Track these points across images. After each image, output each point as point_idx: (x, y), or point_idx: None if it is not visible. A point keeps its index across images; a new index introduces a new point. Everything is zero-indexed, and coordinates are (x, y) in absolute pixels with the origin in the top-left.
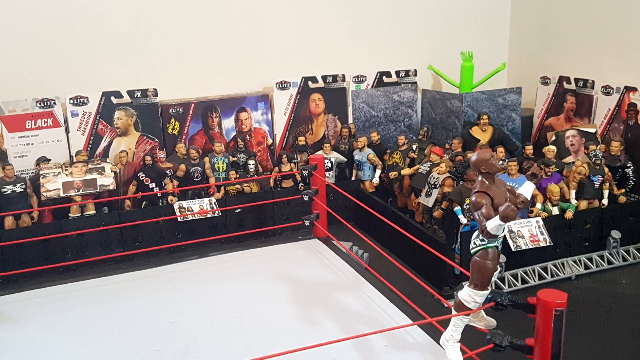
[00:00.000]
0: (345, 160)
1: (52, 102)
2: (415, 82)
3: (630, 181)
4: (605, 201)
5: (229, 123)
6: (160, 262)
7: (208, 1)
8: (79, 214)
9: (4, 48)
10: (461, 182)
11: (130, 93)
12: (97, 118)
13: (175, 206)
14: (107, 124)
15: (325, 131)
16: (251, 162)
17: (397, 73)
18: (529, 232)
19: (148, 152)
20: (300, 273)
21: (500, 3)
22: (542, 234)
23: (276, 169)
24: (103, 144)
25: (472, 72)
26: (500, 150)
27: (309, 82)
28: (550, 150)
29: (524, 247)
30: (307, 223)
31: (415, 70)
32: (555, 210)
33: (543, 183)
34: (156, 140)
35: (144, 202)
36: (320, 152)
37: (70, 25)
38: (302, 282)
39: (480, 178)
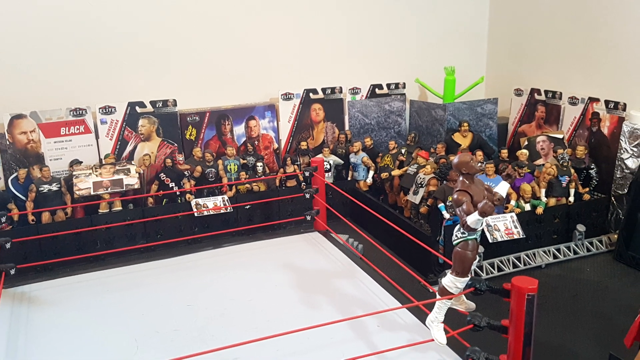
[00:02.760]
0: (342, 162)
1: (84, 111)
2: (404, 94)
3: (594, 181)
4: (571, 199)
5: (239, 130)
6: (179, 252)
7: (221, 23)
8: (108, 210)
9: (42, 64)
10: (444, 182)
11: (153, 103)
12: (124, 125)
13: (192, 203)
14: (132, 131)
15: (325, 137)
16: (259, 164)
17: (388, 85)
18: (504, 226)
19: (168, 155)
20: (302, 262)
21: (478, 24)
22: (515, 227)
23: (281, 170)
24: (129, 148)
25: (454, 85)
26: (479, 153)
27: (310, 94)
28: (523, 153)
29: (499, 239)
30: (308, 218)
31: (404, 83)
32: (528, 207)
33: (517, 183)
34: (175, 144)
35: (164, 200)
36: (320, 156)
37: (100, 44)
38: (304, 270)
39: (461, 178)
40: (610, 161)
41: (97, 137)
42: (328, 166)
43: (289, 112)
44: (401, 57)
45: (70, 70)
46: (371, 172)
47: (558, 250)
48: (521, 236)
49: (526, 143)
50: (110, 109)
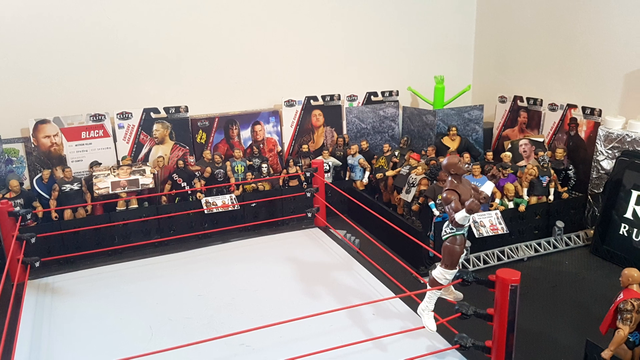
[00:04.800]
0: (341, 164)
1: (103, 117)
2: (397, 101)
3: (572, 181)
4: (551, 197)
5: (246, 134)
6: (190, 246)
7: (229, 36)
8: (125, 208)
9: (64, 74)
10: (434, 182)
11: (166, 109)
12: (139, 130)
13: (203, 201)
14: (147, 135)
15: (324, 140)
16: (264, 165)
17: (383, 93)
18: (490, 222)
19: (180, 157)
20: (303, 255)
21: (466, 37)
22: (500, 223)
23: (284, 171)
24: (144, 150)
25: (443, 93)
26: (466, 155)
27: (311, 101)
28: (507, 155)
29: (485, 235)
30: (309, 215)
31: (397, 91)
32: (511, 205)
33: (501, 182)
34: (187, 147)
35: (177, 198)
36: (320, 158)
37: (117, 55)
38: (305, 263)
39: (450, 178)
40: (587, 163)
41: (115, 140)
42: (327, 167)
43: (292, 118)
44: (394, 67)
45: (90, 79)
46: (367, 173)
47: (539, 244)
48: (505, 232)
49: (509, 146)
50: (127, 115)
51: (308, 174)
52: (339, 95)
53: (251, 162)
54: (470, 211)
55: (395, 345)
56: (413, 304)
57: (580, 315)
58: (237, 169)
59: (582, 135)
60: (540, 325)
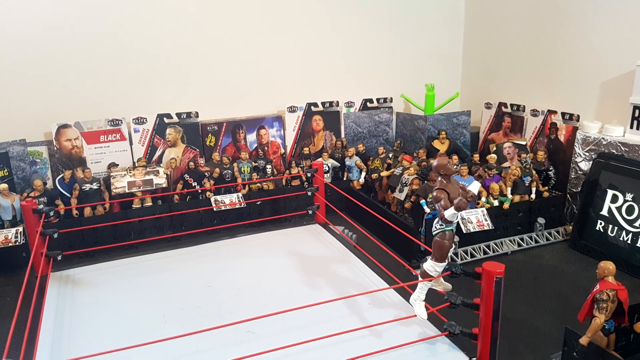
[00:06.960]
0: (339, 165)
1: (120, 122)
2: (391, 107)
3: (552, 181)
4: (533, 196)
5: (252, 137)
6: (200, 241)
7: (236, 47)
8: (140, 205)
9: (84, 82)
10: (425, 182)
11: (178, 115)
12: (153, 133)
13: (212, 199)
14: (160, 138)
15: (324, 143)
16: (268, 166)
17: (378, 100)
18: (476, 219)
19: (191, 159)
20: (304, 250)
21: (454, 48)
22: (486, 220)
23: (287, 171)
24: (158, 153)
25: (434, 99)
26: (455, 157)
27: (312, 107)
28: (492, 157)
29: (472, 230)
30: (310, 212)
31: (391, 98)
32: (496, 203)
33: (487, 182)
34: (197, 150)
35: (188, 197)
36: (320, 159)
37: (133, 65)
38: (306, 257)
39: (439, 178)
40: (566, 164)
41: (131, 143)
42: (327, 168)
43: (294, 123)
44: (389, 76)
45: (108, 87)
46: (363, 173)
47: (522, 239)
48: (490, 227)
49: (494, 149)
50: (142, 120)
51: (309, 175)
52: (338, 101)
53: (256, 164)
54: (459, 209)
55: (389, 332)
56: (406, 294)
57: (559, 305)
58: (244, 170)
59: (562, 138)
60: (523, 314)
